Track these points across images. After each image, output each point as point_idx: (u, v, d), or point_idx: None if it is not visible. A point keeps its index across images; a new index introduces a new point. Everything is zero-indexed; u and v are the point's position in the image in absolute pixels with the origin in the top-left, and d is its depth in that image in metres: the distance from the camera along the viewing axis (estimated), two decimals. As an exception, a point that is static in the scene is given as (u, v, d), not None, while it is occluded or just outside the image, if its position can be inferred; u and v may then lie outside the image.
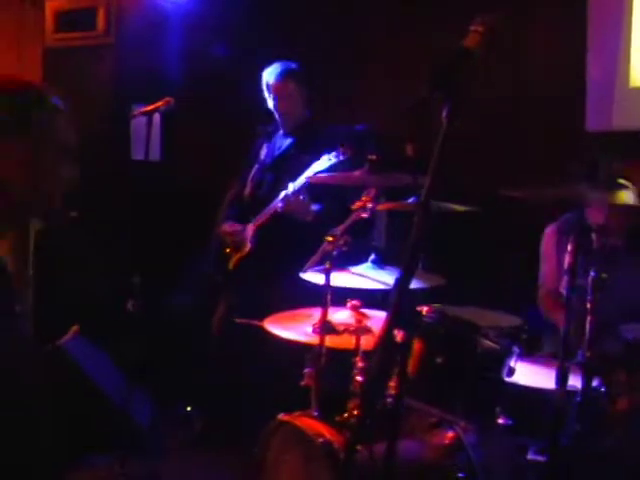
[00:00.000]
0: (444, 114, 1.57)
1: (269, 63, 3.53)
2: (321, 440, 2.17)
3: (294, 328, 2.47)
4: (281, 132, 3.60)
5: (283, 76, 3.47)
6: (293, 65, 3.53)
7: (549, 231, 3.11)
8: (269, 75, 3.50)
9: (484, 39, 1.59)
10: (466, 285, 3.33)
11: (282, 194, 3.31)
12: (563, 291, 2.48)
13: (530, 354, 2.51)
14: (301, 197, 3.26)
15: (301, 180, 3.22)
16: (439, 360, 2.17)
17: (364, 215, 2.57)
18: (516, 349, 2.29)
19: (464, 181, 3.50)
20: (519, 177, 2.31)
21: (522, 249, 3.44)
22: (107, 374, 3.10)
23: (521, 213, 3.23)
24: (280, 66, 3.50)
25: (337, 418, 2.23)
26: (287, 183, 3.30)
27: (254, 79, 3.56)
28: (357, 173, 2.63)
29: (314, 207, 3.33)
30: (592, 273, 2.19)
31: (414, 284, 2.63)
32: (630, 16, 3.55)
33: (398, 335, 1.55)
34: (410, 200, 2.65)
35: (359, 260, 2.66)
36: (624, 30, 3.59)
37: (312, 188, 3.25)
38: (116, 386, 3.04)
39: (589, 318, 2.17)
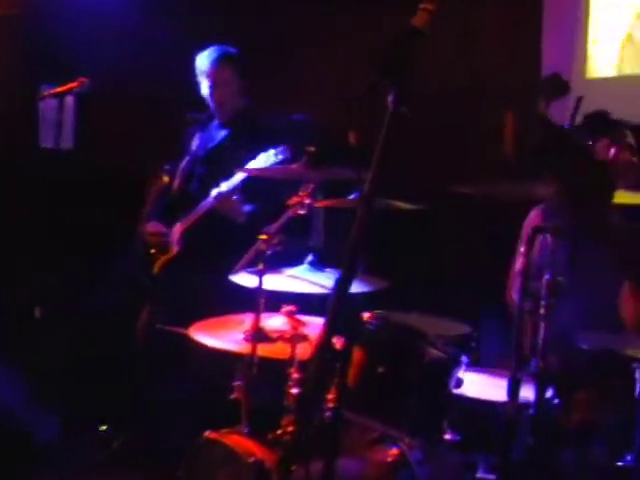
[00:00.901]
0: (390, 99, 1.55)
1: (203, 46, 3.47)
2: (252, 459, 2.14)
3: (223, 336, 2.43)
4: (216, 122, 3.55)
5: (219, 62, 3.42)
6: (230, 50, 3.48)
7: (534, 214, 3.03)
8: (204, 60, 3.44)
9: (433, 17, 1.58)
10: (412, 289, 3.33)
11: (214, 192, 3.26)
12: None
13: (483, 364, 2.53)
14: (234, 197, 3.22)
15: (235, 179, 3.19)
16: (381, 370, 2.16)
17: (301, 212, 2.54)
18: (465, 358, 2.30)
19: (411, 177, 3.52)
20: (471, 173, 2.32)
21: (473, 250, 3.47)
22: (4, 388, 2.99)
23: (473, 212, 3.25)
24: (216, 51, 3.44)
25: (270, 435, 2.20)
26: (220, 177, 3.26)
27: (184, 62, 3.49)
28: (294, 166, 2.60)
29: (247, 208, 3.29)
30: (547, 276, 2.20)
31: (355, 288, 2.63)
32: (587, 6, 3.62)
33: (337, 343, 1.52)
34: (352, 196, 2.63)
35: (295, 261, 2.64)
36: (581, 20, 3.67)
37: (246, 185, 3.20)
38: (16, 401, 2.94)
39: (543, 325, 2.19)
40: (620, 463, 2.28)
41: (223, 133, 3.51)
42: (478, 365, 2.52)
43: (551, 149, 1.19)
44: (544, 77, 1.20)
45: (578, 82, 3.64)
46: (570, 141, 1.21)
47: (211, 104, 3.48)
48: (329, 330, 1.45)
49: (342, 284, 1.46)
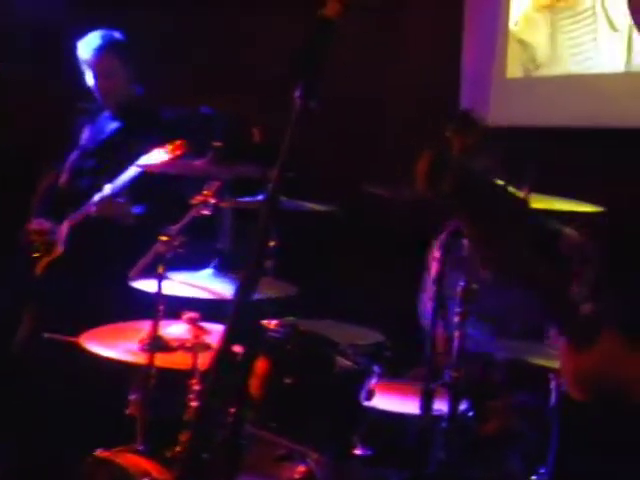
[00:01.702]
0: (297, 94, 1.56)
1: (86, 31, 3.39)
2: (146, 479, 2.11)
3: (117, 345, 2.40)
4: (108, 113, 3.49)
5: (102, 50, 3.34)
6: (115, 35, 3.40)
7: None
8: (85, 48, 3.36)
9: (346, 7, 1.60)
10: (323, 296, 3.36)
11: (96, 197, 3.21)
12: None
13: (393, 375, 2.56)
14: (119, 200, 3.18)
15: (121, 180, 3.14)
16: (288, 381, 2.16)
17: (205, 212, 2.53)
18: (377, 369, 2.32)
19: (324, 178, 3.55)
20: (388, 175, 2.36)
21: (388, 255, 3.51)
22: None
23: (387, 215, 3.30)
24: (98, 37, 3.36)
25: (167, 453, 2.18)
26: (112, 172, 3.19)
27: (73, 45, 3.42)
28: (198, 163, 2.58)
29: (136, 209, 3.25)
30: (461, 283, 2.25)
31: (262, 294, 2.64)
32: (507, 4, 3.72)
33: (238, 352, 1.53)
34: (261, 196, 2.64)
35: (200, 265, 2.62)
36: (501, 18, 3.76)
37: (140, 182, 3.16)
38: None
39: (457, 334, 2.24)
40: (534, 477, 2.35)
41: (114, 125, 3.45)
42: (393, 375, 2.55)
43: (463, 196, 1.19)
44: (456, 113, 1.21)
45: (498, 83, 3.74)
46: (486, 188, 1.20)
47: (97, 95, 3.41)
48: (228, 339, 1.45)
49: (243, 289, 1.46)
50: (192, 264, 2.61)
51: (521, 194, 1.25)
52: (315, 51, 1.59)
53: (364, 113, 3.89)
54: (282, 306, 2.73)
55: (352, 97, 3.85)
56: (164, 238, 2.38)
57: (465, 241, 2.36)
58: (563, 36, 3.59)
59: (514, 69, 3.77)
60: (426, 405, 2.20)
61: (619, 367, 1.29)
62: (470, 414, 2.38)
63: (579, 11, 3.54)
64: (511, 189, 1.23)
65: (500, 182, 1.22)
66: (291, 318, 2.82)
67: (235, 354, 1.50)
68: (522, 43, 3.73)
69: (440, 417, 2.24)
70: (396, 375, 2.55)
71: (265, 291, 2.63)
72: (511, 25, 3.75)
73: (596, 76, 3.50)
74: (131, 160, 3.11)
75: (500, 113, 3.67)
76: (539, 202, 2.32)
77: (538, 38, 3.67)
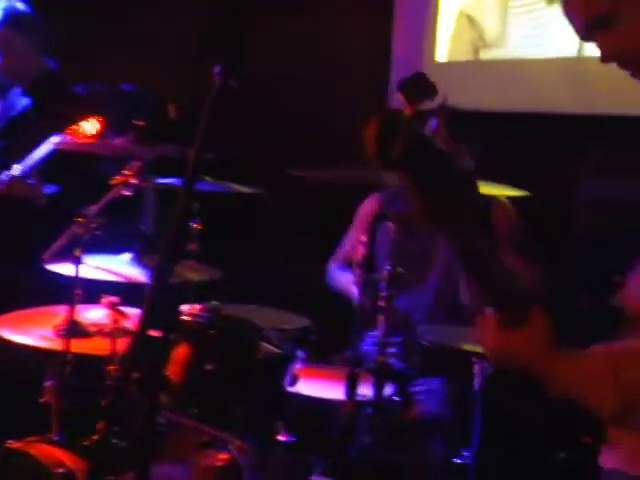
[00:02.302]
0: (216, 71, 1.53)
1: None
2: (60, 470, 2.06)
3: (31, 331, 2.34)
4: (18, 89, 3.36)
5: (2, 25, 3.21)
6: (15, 7, 3.24)
7: (369, 201, 3.00)
8: None
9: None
10: (249, 280, 3.33)
11: (4, 177, 3.10)
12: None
13: (319, 359, 2.55)
14: (30, 180, 3.08)
15: (31, 160, 3.03)
16: (210, 367, 2.13)
17: (126, 193, 2.47)
18: (301, 354, 2.31)
19: (252, 160, 3.51)
20: (319, 159, 2.34)
21: (315, 239, 3.50)
22: None
23: (316, 198, 3.28)
24: None
25: (84, 442, 2.13)
26: (22, 152, 3.08)
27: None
28: (118, 141, 2.52)
29: (49, 189, 3.14)
30: (387, 267, 2.25)
31: (185, 278, 2.59)
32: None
33: (156, 337, 1.49)
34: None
35: (121, 247, 2.57)
36: (432, 2, 3.78)
37: (53, 161, 3.06)
38: None
39: (382, 318, 2.24)
40: (457, 460, 2.38)
41: (25, 101, 3.32)
42: (319, 360, 2.54)
43: (412, 162, 1.16)
44: (408, 76, 1.19)
45: (427, 67, 3.75)
46: (436, 155, 1.18)
47: (1, 72, 3.29)
48: (145, 323, 1.41)
49: (160, 273, 1.43)
50: (114, 246, 2.56)
51: (467, 164, 1.24)
52: (233, 28, 1.56)
53: (298, 95, 3.86)
54: (206, 290, 2.69)
55: (285, 78, 3.83)
56: (80, 219, 2.31)
57: (391, 224, 2.36)
58: (514, 18, 3.60)
59: (461, 47, 3.78)
60: (351, 390, 2.19)
61: (541, 360, 1.29)
62: (396, 399, 2.39)
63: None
64: (459, 158, 1.21)
65: (448, 149, 1.20)
66: (215, 302, 2.79)
67: (153, 339, 1.46)
68: (471, 20, 3.74)
69: (365, 402, 2.25)
70: (322, 360, 2.54)
71: (189, 275, 2.59)
72: (461, 1, 3.76)
73: (539, 61, 3.52)
74: (43, 138, 3.00)
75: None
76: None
77: (488, 17, 3.68)
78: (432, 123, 1.26)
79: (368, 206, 2.96)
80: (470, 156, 1.24)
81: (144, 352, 1.44)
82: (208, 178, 2.70)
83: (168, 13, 4.01)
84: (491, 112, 3.39)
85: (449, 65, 3.81)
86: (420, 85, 1.24)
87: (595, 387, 1.26)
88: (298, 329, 2.72)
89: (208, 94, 1.50)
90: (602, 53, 1.41)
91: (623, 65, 1.41)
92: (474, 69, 3.75)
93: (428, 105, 1.25)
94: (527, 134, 3.34)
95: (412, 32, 3.85)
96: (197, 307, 2.25)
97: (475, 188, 1.22)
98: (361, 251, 2.27)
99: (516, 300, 1.28)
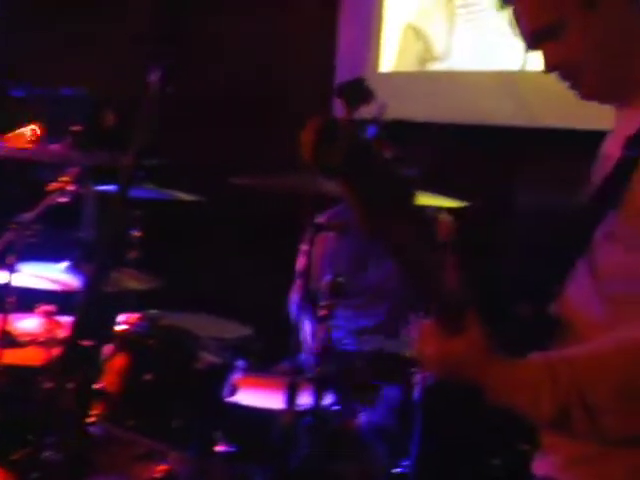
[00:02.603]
0: (155, 77, 1.52)
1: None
2: (-11, 486, 2.00)
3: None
4: None
5: None
6: None
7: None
8: None
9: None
10: (191, 288, 3.30)
11: None
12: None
13: (261, 369, 2.54)
14: None
15: None
16: (148, 377, 2.09)
17: (62, 200, 2.43)
18: (241, 364, 2.29)
19: (193, 167, 3.47)
20: (259, 167, 2.32)
21: (259, 247, 3.48)
22: None
23: (258, 206, 3.25)
24: None
25: (14, 456, 2.07)
26: None
27: None
28: (55, 147, 2.48)
29: None
30: (328, 276, 2.25)
31: (125, 286, 2.55)
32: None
33: (91, 347, 1.47)
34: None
35: (59, 255, 2.53)
36: (375, 12, 3.79)
37: None
38: None
39: (322, 327, 2.23)
40: (397, 469, 2.39)
41: None
42: (260, 370, 2.53)
43: (351, 169, 1.14)
44: (346, 81, 1.18)
45: (371, 77, 3.77)
46: (376, 163, 1.16)
47: None
48: (77, 333, 1.39)
49: (93, 281, 1.41)
50: (52, 254, 2.51)
51: (409, 174, 1.22)
52: (169, 34, 1.56)
53: (242, 101, 3.84)
54: (147, 299, 2.66)
55: (229, 84, 3.80)
56: (15, 226, 2.26)
57: (332, 235, 2.37)
58: (460, 30, 3.63)
59: (407, 58, 3.80)
60: (290, 400, 2.18)
61: (478, 367, 1.30)
62: (335, 408, 2.39)
63: (477, 7, 3.59)
64: (399, 166, 1.19)
65: (389, 156, 1.18)
66: (155, 311, 2.75)
67: (87, 349, 1.44)
68: (417, 33, 3.76)
69: (305, 411, 2.24)
70: (262, 369, 2.53)
71: (128, 283, 2.56)
72: (408, 14, 3.78)
73: (483, 73, 3.56)
74: None
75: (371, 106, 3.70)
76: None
77: (434, 29, 3.70)
78: (371, 130, 1.25)
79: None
80: (410, 165, 1.25)
81: (78, 362, 1.42)
82: (150, 185, 2.68)
83: (108, 14, 3.95)
84: (434, 122, 3.42)
85: (393, 75, 3.84)
86: (358, 89, 1.23)
87: (531, 393, 1.28)
88: (239, 338, 2.71)
89: (144, 100, 1.49)
90: (546, 63, 1.43)
91: (564, 76, 1.44)
92: (418, 80, 3.78)
93: (367, 111, 1.25)
94: (469, 145, 3.38)
95: (356, 42, 3.87)
96: (135, 316, 2.21)
97: (416, 197, 1.21)
98: (301, 260, 2.27)
99: (453, 308, 1.29)
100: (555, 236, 1.75)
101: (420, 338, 1.34)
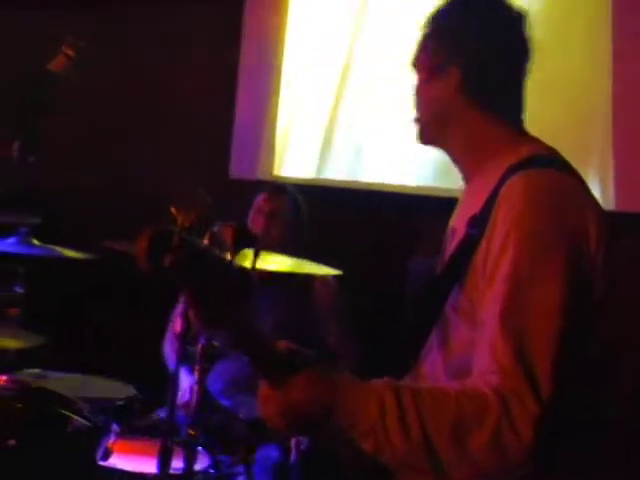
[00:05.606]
0: (15, 147, 1.56)
1: None
2: None
3: None
4: None
5: None
6: None
7: None
8: None
9: (72, 63, 1.64)
10: (75, 347, 3.26)
11: None
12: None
13: (135, 432, 2.53)
14: None
15: None
16: (12, 443, 2.07)
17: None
18: (116, 427, 2.28)
19: (78, 225, 3.47)
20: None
21: (144, 306, 3.45)
22: None
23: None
24: None
25: None
26: None
27: None
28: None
29: None
30: (202, 340, 2.27)
31: (4, 344, 2.51)
32: (281, 56, 3.85)
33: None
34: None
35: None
36: (274, 68, 3.88)
37: None
38: None
39: (195, 389, 2.24)
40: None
41: None
42: (134, 433, 2.52)
43: (184, 273, 1.24)
44: (181, 192, 1.25)
45: (269, 134, 3.84)
46: (210, 266, 1.27)
47: None
48: None
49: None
50: None
51: (248, 266, 1.33)
52: (36, 105, 1.60)
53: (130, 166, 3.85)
54: (29, 357, 2.64)
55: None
56: None
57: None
58: None
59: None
60: (163, 464, 2.18)
61: (316, 402, 1.37)
62: (212, 471, 2.40)
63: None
64: (237, 263, 1.31)
65: (226, 257, 1.31)
66: (36, 371, 2.73)
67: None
68: None
69: (178, 476, 2.23)
70: (138, 432, 2.53)
71: (9, 341, 2.54)
72: None
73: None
74: None
75: (269, 166, 3.78)
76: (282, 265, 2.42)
77: None
78: (216, 226, 1.36)
79: None
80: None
81: None
82: (34, 241, 2.68)
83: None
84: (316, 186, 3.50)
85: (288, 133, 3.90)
86: (191, 200, 1.36)
87: (377, 408, 1.35)
88: (122, 399, 2.70)
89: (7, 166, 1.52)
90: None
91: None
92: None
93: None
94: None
95: (256, 95, 3.92)
96: (2, 378, 2.19)
97: (253, 291, 1.31)
98: (178, 322, 2.28)
99: (276, 362, 1.36)
100: (414, 304, 1.83)
101: (260, 402, 1.40)
